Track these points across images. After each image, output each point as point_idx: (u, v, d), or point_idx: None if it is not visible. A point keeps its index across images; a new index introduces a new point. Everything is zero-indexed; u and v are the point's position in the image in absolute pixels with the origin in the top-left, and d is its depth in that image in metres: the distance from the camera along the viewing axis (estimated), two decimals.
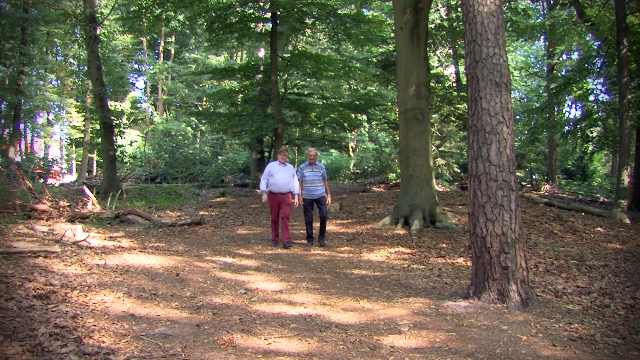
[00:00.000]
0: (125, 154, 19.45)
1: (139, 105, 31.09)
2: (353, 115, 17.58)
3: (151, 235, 7.05)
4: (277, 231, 6.99)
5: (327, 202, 7.11)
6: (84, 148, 23.57)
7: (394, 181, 16.49)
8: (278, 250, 6.62)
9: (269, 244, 7.06)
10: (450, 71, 18.63)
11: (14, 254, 4.30)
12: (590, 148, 14.33)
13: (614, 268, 5.25)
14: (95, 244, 5.58)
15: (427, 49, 9.39)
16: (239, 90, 16.22)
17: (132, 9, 13.26)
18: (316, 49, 20.02)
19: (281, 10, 12.28)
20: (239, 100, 16.44)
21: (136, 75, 32.86)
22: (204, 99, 28.34)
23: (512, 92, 4.72)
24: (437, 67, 16.67)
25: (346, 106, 15.72)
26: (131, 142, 21.37)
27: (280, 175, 6.73)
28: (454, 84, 16.16)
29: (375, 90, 18.63)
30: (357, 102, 15.95)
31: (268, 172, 6.82)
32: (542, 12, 18.04)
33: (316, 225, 7.58)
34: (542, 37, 16.85)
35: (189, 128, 26.78)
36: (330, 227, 8.62)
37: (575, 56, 21.18)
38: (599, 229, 8.04)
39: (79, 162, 26.22)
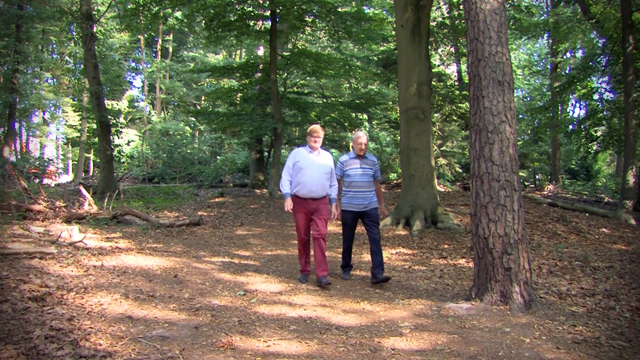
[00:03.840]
0: (122, 153, 19.36)
1: (136, 104, 30.93)
2: (353, 114, 17.55)
3: (149, 236, 6.98)
4: (309, 256, 4.74)
5: (381, 216, 4.96)
6: (81, 148, 23.42)
7: (395, 181, 16.45)
8: (277, 252, 6.54)
9: (269, 244, 6.96)
10: (452, 70, 18.59)
11: (9, 255, 4.25)
12: (594, 147, 14.25)
13: (619, 269, 5.20)
14: (92, 245, 5.53)
15: (429, 47, 9.33)
16: (237, 89, 16.15)
17: (129, 7, 13.17)
18: (316, 47, 19.96)
19: (281, 8, 12.22)
20: (238, 99, 16.38)
21: (133, 74, 32.70)
22: (203, 98, 28.24)
23: (515, 90, 4.68)
24: (438, 65, 16.63)
25: (346, 105, 15.68)
26: (128, 141, 21.27)
27: (313, 169, 4.43)
28: (456, 83, 16.12)
29: (375, 89, 18.58)
30: (357, 101, 15.92)
31: (293, 164, 4.50)
32: (545, 10, 17.96)
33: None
34: (546, 34, 16.77)
35: (187, 127, 26.67)
36: (330, 227, 8.53)
37: (579, 54, 21.04)
38: (603, 229, 7.97)
39: (76, 162, 26.06)
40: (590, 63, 12.64)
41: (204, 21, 13.77)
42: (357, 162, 4.77)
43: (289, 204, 4.47)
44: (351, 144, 5.10)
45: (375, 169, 4.83)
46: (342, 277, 4.95)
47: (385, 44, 16.09)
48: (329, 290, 4.35)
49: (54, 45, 25.49)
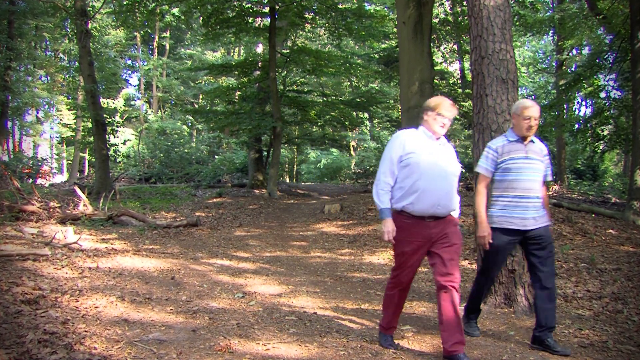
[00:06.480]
0: (118, 153, 19.24)
1: (132, 102, 30.80)
2: (354, 113, 17.49)
3: (145, 237, 6.90)
4: (400, 309, 2.89)
5: None
6: (75, 147, 23.24)
7: None
8: (277, 253, 6.47)
9: (268, 245, 6.87)
10: (454, 67, 18.59)
11: (1, 257, 4.18)
12: (601, 147, 14.05)
13: (626, 272, 5.11)
14: (87, 247, 5.46)
15: (431, 45, 9.28)
16: (236, 87, 16.08)
17: (124, 3, 13.04)
18: (316, 45, 19.90)
19: (280, 4, 12.14)
20: (237, 97, 16.31)
21: (130, 72, 32.49)
22: (200, 97, 28.14)
23: (519, 89, 4.59)
24: (441, 63, 16.61)
25: (347, 104, 15.63)
26: (125, 140, 21.17)
27: (439, 168, 2.64)
28: (459, 81, 16.09)
29: (377, 88, 18.56)
30: (358, 100, 15.87)
31: (400, 156, 2.66)
32: (551, 6, 17.82)
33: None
34: (551, 31, 16.58)
35: (184, 126, 26.56)
36: (330, 228, 8.47)
37: (585, 51, 20.81)
38: (610, 231, 7.84)
39: (70, 162, 25.93)
40: (597, 60, 12.38)
41: (201, 18, 13.68)
42: (521, 149, 2.94)
43: (389, 229, 2.61)
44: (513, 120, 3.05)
45: (546, 162, 2.99)
46: (467, 332, 3.12)
47: (386, 42, 16.04)
48: (329, 293, 4.28)
49: (48, 42, 25.23)
